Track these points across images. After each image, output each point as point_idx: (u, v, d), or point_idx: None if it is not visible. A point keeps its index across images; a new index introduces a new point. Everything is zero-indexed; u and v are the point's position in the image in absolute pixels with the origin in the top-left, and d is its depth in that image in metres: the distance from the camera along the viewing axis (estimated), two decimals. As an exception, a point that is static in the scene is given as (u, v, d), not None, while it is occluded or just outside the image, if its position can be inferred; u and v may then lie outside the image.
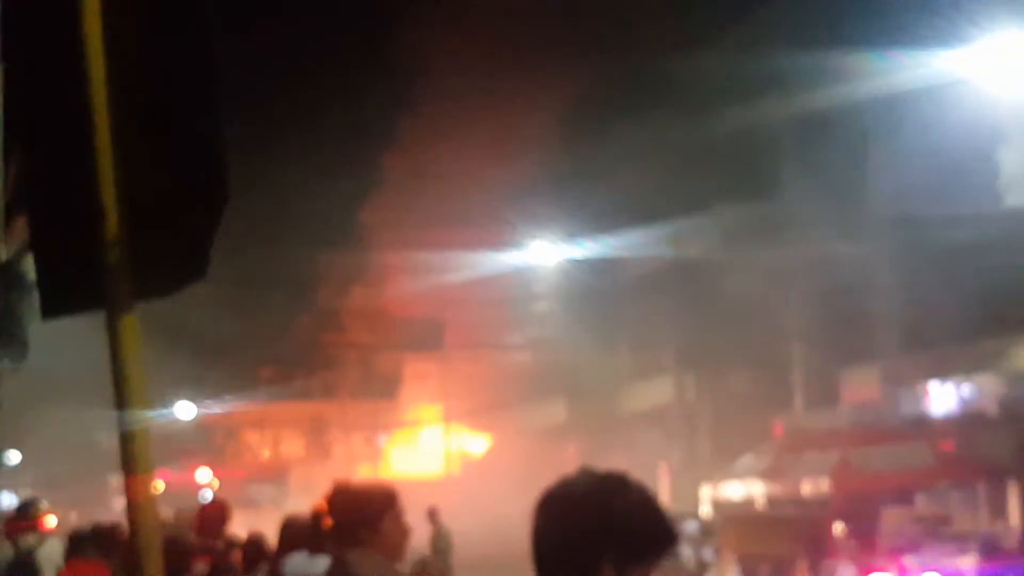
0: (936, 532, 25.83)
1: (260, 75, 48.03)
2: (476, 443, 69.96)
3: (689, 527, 33.11)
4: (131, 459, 4.13)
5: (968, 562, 24.66)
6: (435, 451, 72.32)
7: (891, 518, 26.26)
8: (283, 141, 58.31)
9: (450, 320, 67.37)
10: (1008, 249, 29.54)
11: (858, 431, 32.50)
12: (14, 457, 45.55)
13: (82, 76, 4.15)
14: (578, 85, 47.65)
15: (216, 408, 65.23)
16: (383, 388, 74.16)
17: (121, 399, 4.09)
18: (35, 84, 4.48)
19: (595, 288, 49.15)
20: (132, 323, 4.14)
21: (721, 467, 38.81)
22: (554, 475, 3.35)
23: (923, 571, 22.09)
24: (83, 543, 11.43)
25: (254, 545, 11.11)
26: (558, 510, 3.26)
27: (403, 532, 6.11)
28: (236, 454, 77.29)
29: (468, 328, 65.08)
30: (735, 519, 33.30)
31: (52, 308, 4.49)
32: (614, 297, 49.01)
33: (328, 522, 6.19)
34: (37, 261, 4.59)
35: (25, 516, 14.03)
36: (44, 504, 15.62)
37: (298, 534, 10.01)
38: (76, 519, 33.30)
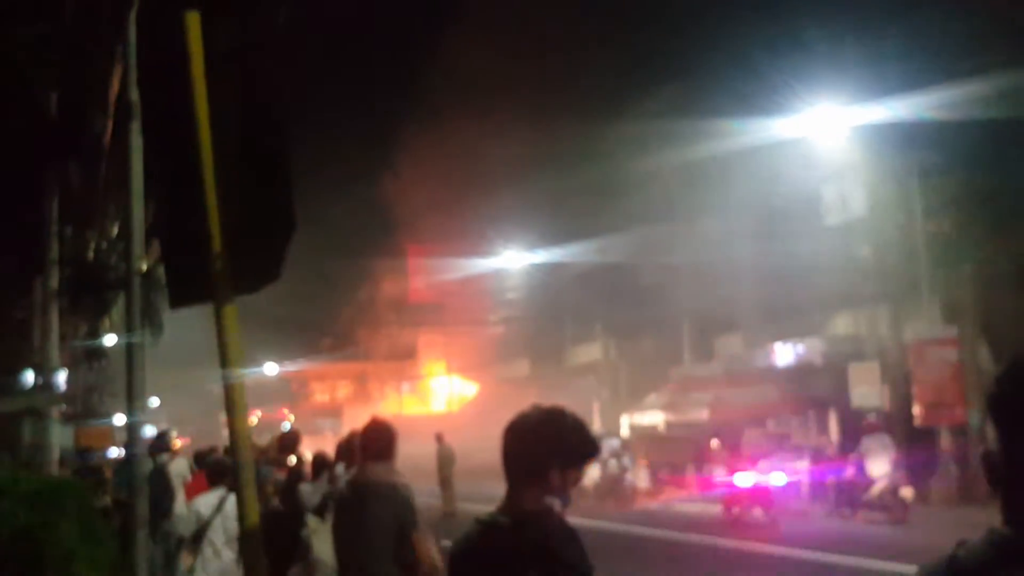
0: (781, 444, 25.93)
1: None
2: (468, 389, 69.94)
3: (613, 443, 33.12)
4: (233, 403, 4.13)
5: (802, 465, 24.76)
6: (441, 395, 72.28)
7: (750, 436, 26.37)
8: (341, 189, 58.20)
9: (450, 305, 67.35)
10: (827, 253, 29.62)
11: (727, 378, 32.61)
12: (154, 402, 45.38)
13: (194, 137, 4.13)
14: (534, 143, 47.54)
15: (292, 367, 65.11)
16: (405, 352, 74.11)
17: (225, 361, 4.08)
18: (163, 143, 4.46)
19: (549, 282, 49.13)
20: (232, 310, 4.13)
21: (635, 403, 38.90)
22: (521, 411, 3.40)
23: (772, 471, 22.11)
24: (204, 460, 11.42)
25: (319, 459, 11.10)
26: (519, 433, 3.29)
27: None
28: (306, 398, 77.13)
29: (462, 311, 65.05)
30: (645, 437, 33.37)
31: (177, 301, 4.48)
32: (561, 288, 49.01)
33: (361, 443, 6.30)
34: (167, 269, 4.58)
35: (161, 442, 13.99)
36: (174, 433, 15.57)
37: (344, 451, 10.04)
38: (196, 444, 33.17)
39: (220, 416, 48.36)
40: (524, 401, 3.70)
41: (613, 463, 31.62)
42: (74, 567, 7.32)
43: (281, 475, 11.46)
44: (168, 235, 4.56)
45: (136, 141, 8.07)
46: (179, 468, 13.00)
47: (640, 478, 30.71)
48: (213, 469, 10.97)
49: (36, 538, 7.20)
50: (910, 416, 25.56)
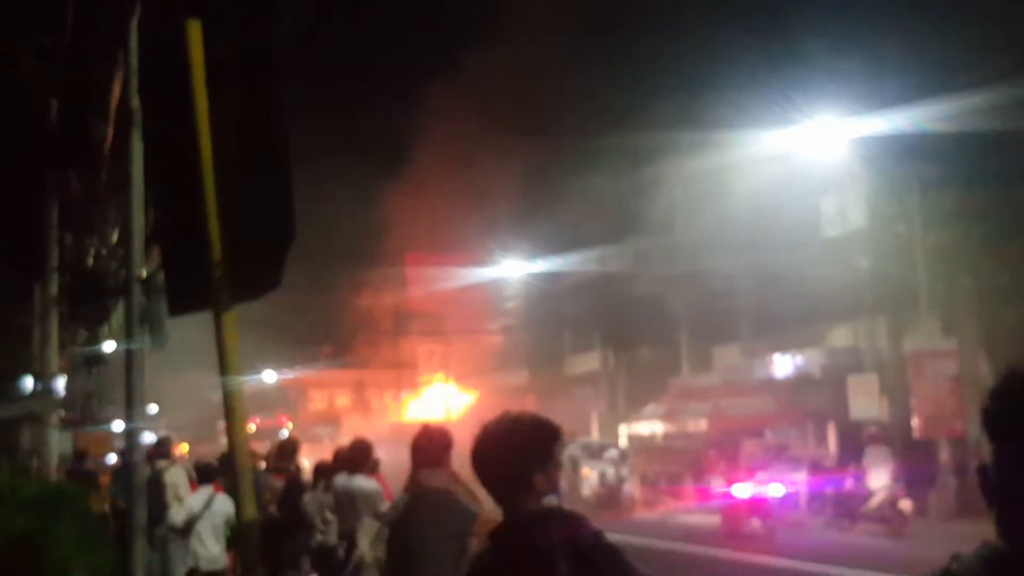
0: (779, 456, 25.91)
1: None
2: (467, 398, 69.88)
3: (611, 453, 33.11)
4: (231, 409, 4.13)
5: (800, 476, 24.73)
6: (439, 403, 72.15)
7: (748, 447, 26.34)
8: (333, 196, 58.24)
9: (449, 314, 67.29)
10: (826, 264, 29.61)
11: (726, 388, 32.55)
12: (153, 408, 45.34)
13: (194, 144, 4.13)
14: (532, 155, 47.57)
15: (291, 374, 65.05)
16: (403, 360, 74.03)
17: (224, 368, 4.09)
18: (163, 150, 4.47)
19: (547, 291, 49.09)
20: (231, 317, 4.14)
21: (633, 413, 38.85)
22: (480, 433, 3.38)
23: (770, 482, 22.09)
24: (206, 469, 11.43)
25: (319, 468, 11.13)
26: (491, 452, 3.28)
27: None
28: (304, 406, 77.01)
29: (461, 319, 64.95)
30: (643, 448, 33.32)
31: (177, 308, 4.49)
32: (560, 298, 48.99)
33: (412, 450, 6.09)
34: (167, 276, 4.59)
35: (160, 448, 13.96)
36: (173, 440, 15.55)
37: (341, 460, 10.08)
38: (195, 450, 33.14)
39: (219, 423, 48.30)
40: (523, 409, 3.68)
41: (611, 473, 31.57)
42: (72, 573, 7.31)
43: (279, 483, 11.46)
44: (168, 242, 4.57)
45: (137, 148, 8.07)
46: (174, 477, 12.93)
47: (638, 488, 30.68)
48: (200, 470, 11.31)
49: (35, 544, 7.19)
50: (909, 428, 25.53)
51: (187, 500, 11.72)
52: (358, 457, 9.60)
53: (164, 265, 4.65)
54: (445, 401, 70.87)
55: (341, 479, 9.61)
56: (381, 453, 10.81)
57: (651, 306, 39.87)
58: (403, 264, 67.72)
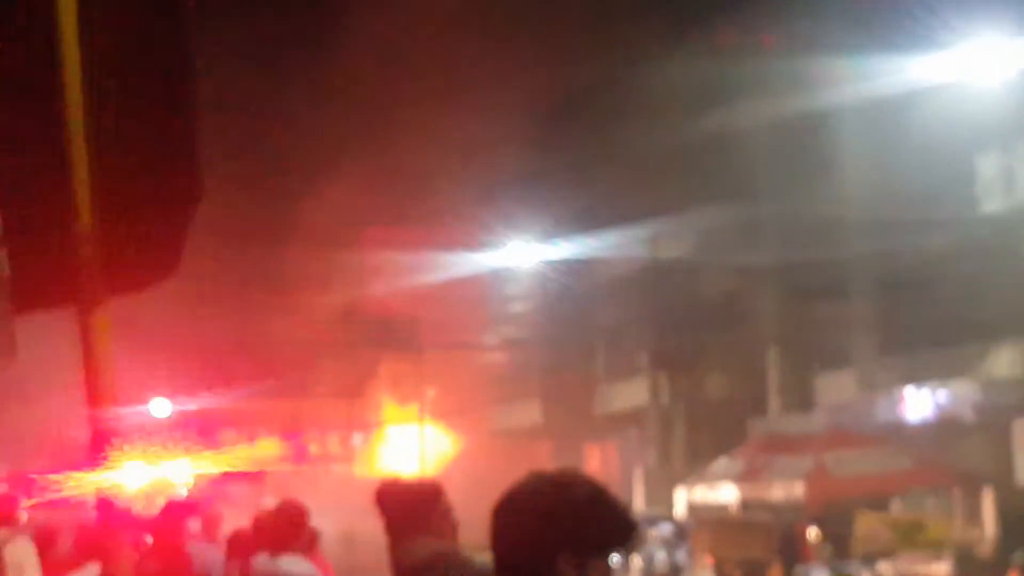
0: (911, 539, 25.86)
1: (229, 71, 48.02)
2: (451, 444, 69.90)
3: (663, 529, 33.11)
4: (102, 457, 4.09)
5: (943, 570, 24.69)
6: (410, 452, 72.23)
7: (865, 523, 26.28)
8: (252, 134, 58.34)
9: (426, 320, 67.31)
10: (984, 254, 29.59)
11: (833, 435, 32.53)
12: (-15, 453, 45.37)
13: (55, 68, 4.11)
14: (554, 80, 47.65)
15: (192, 405, 65.11)
16: (358, 387, 74.17)
17: (93, 394, 4.05)
18: (5, 75, 4.43)
19: (571, 289, 49.11)
20: (104, 318, 4.10)
21: (695, 470, 38.81)
22: (515, 484, 3.42)
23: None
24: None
25: (232, 543, 11.14)
26: (509, 514, 3.34)
27: (452, 526, 6.15)
28: (212, 452, 77.11)
29: (443, 328, 64.93)
30: (709, 522, 33.29)
31: (24, 304, 4.46)
32: (590, 298, 49.03)
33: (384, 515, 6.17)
34: (10, 256, 4.55)
35: (-5, 512, 13.88)
36: (20, 498, 15.49)
37: (264, 531, 10.08)
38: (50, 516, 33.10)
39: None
40: (533, 462, 3.72)
41: (662, 558, 31.67)
42: None
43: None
44: (11, 203, 4.53)
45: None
46: (18, 554, 12.88)
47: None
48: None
49: None
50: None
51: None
52: (287, 528, 9.58)
53: (4, 238, 4.62)
54: (418, 448, 70.99)
55: (262, 561, 9.62)
56: (322, 522, 10.79)
57: (725, 312, 39.86)
58: (360, 246, 67.78)
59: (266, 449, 78.55)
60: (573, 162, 45.43)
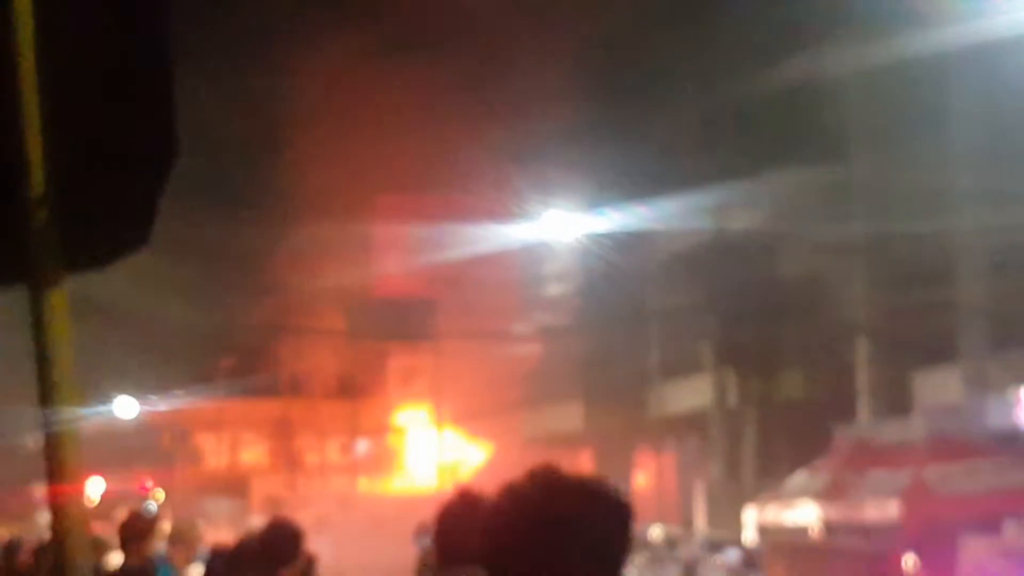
0: (1026, 566, 25.86)
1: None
2: (474, 453, 70.13)
3: (729, 556, 33.21)
4: (58, 465, 4.11)
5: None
6: (425, 462, 72.48)
7: (974, 550, 26.28)
8: (240, 85, 58.51)
9: (444, 304, 67.47)
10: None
11: (935, 445, 32.50)
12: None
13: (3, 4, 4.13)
14: (602, 21, 47.71)
15: (162, 405, 65.29)
16: (361, 385, 74.39)
17: (47, 393, 4.07)
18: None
19: (619, 269, 49.09)
20: (61, 300, 4.12)
21: (769, 486, 38.85)
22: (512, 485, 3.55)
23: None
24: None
25: (211, 566, 11.24)
26: (509, 521, 3.40)
27: None
28: (188, 460, 77.48)
29: (466, 314, 65.08)
30: (785, 548, 33.37)
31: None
32: (642, 280, 49.06)
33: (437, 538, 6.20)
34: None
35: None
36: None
37: (249, 554, 10.17)
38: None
39: (36, 489, 48.65)
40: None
41: (728, 590, 31.80)
42: None
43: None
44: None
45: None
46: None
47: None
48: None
49: None
50: None
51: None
52: (276, 551, 9.64)
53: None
54: (435, 458, 71.20)
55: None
56: (318, 545, 10.87)
57: (805, 297, 39.86)
58: (368, 217, 67.90)
59: (250, 457, 78.93)
60: (622, 117, 45.46)
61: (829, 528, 33.10)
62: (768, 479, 40.31)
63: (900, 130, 35.66)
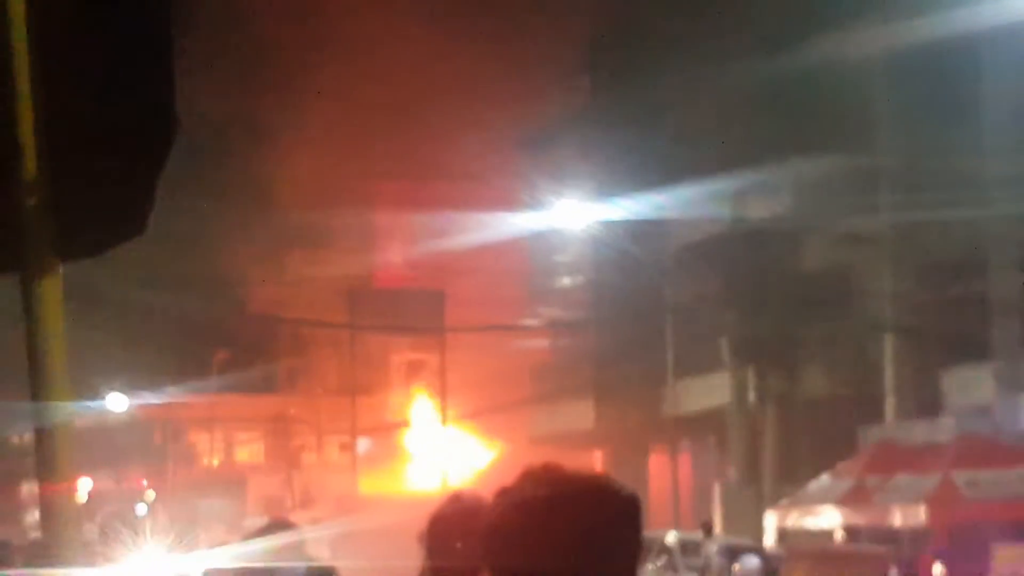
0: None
1: None
2: (481, 452, 70.16)
3: (747, 563, 33.18)
4: (50, 462, 4.11)
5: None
6: (429, 461, 72.52)
7: (1005, 557, 26.29)
8: (238, 62, 58.57)
9: (450, 296, 67.53)
10: None
11: (966, 447, 32.52)
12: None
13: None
14: (617, 2, 47.74)
15: (156, 400, 65.34)
16: (361, 381, 74.39)
17: (39, 387, 4.07)
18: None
19: (633, 259, 49.08)
20: (54, 289, 4.11)
21: (790, 489, 38.86)
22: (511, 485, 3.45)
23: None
24: None
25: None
26: (515, 522, 3.32)
27: None
28: (181, 457, 77.59)
29: (472, 306, 65.12)
30: (806, 554, 33.38)
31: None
32: (657, 271, 49.00)
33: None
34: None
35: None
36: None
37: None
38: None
39: (24, 487, 48.78)
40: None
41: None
42: None
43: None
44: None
45: None
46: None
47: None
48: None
49: None
50: None
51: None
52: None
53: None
54: (439, 457, 71.26)
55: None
56: (318, 549, 10.86)
57: (829, 291, 39.85)
58: (368, 203, 68.00)
59: (247, 455, 79.03)
60: (636, 101, 45.45)
61: (853, 533, 33.13)
62: (789, 482, 40.31)
63: (930, 114, 35.65)
